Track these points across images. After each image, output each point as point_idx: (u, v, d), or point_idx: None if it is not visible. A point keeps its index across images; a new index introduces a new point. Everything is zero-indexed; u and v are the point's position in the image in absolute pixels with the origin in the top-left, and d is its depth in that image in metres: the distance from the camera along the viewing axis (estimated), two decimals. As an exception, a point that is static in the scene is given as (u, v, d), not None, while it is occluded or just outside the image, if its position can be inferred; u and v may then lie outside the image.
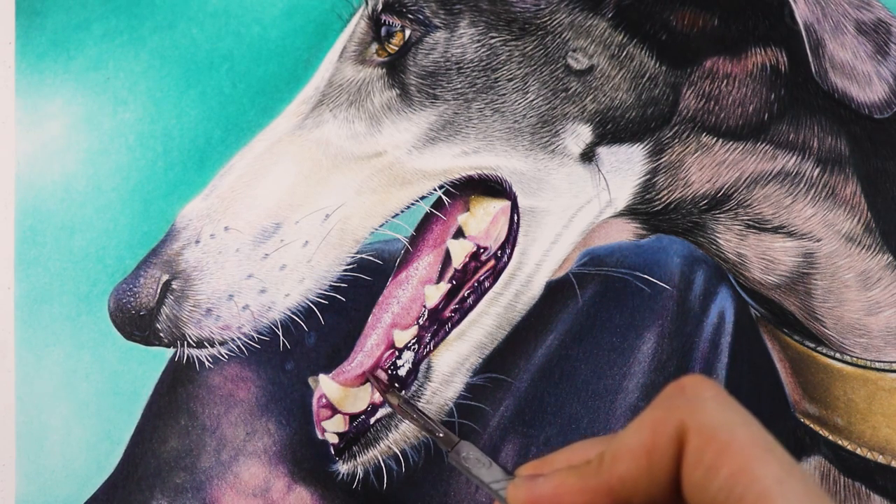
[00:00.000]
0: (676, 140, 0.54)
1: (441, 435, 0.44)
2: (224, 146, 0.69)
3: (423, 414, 0.50)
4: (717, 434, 0.28)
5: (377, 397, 0.57)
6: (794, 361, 0.59)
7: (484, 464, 0.39)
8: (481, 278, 0.57)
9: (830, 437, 0.57)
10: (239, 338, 0.55)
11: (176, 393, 0.66)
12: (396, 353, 0.57)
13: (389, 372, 0.56)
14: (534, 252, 0.56)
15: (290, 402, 0.64)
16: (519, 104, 0.54)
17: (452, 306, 0.57)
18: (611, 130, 0.54)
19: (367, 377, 0.56)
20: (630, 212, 0.57)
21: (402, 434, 0.56)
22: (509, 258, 0.56)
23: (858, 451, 0.56)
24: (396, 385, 0.57)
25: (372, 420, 0.56)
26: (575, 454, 0.33)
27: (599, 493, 0.30)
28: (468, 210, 0.57)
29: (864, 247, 0.55)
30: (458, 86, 0.54)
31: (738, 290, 0.61)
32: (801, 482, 0.27)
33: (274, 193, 0.55)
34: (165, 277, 0.54)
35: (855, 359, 0.55)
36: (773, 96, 0.53)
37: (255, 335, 0.55)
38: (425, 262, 0.58)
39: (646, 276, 0.63)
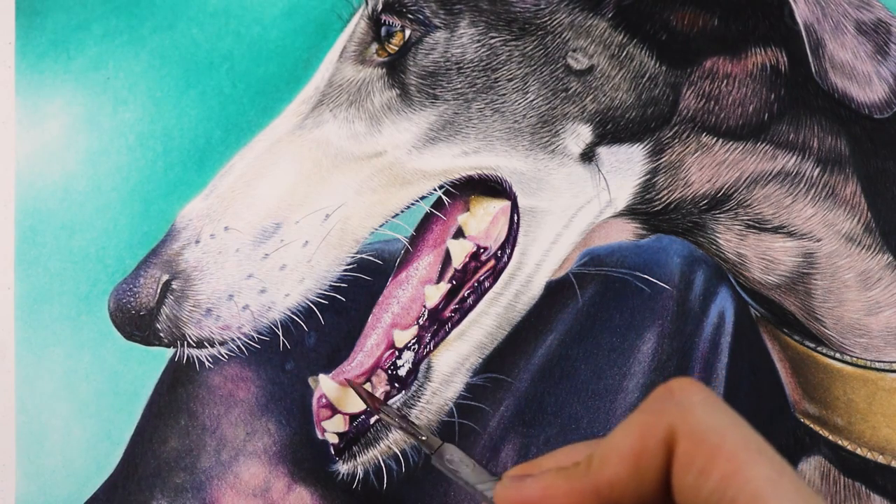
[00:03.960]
0: (676, 140, 0.54)
1: (424, 438, 0.44)
2: (224, 146, 0.69)
3: (406, 418, 0.50)
4: (708, 437, 0.28)
5: (377, 397, 0.57)
6: (794, 361, 0.59)
7: (468, 465, 0.39)
8: (481, 278, 0.57)
9: (830, 437, 0.57)
10: (239, 338, 0.55)
11: (176, 393, 0.66)
12: (396, 353, 0.57)
13: (389, 372, 0.57)
14: (534, 252, 0.56)
15: (290, 402, 0.64)
16: (519, 104, 0.54)
17: (452, 306, 0.57)
18: (611, 130, 0.54)
19: (347, 382, 0.55)
20: (630, 212, 0.57)
21: (403, 434, 0.56)
22: (509, 258, 0.56)
23: (858, 450, 0.56)
24: (396, 385, 0.57)
25: (372, 420, 0.56)
26: (564, 457, 0.33)
27: (587, 495, 0.30)
28: (468, 210, 0.57)
29: (864, 247, 0.55)
30: (458, 86, 0.54)
31: (738, 290, 0.61)
32: (792, 483, 0.28)
33: (274, 193, 0.55)
34: (165, 277, 0.54)
35: (855, 359, 0.55)
36: (773, 96, 0.53)
37: (255, 335, 0.55)
38: (425, 262, 0.58)
39: (646, 276, 0.63)
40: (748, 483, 0.27)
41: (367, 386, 0.57)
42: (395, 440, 0.56)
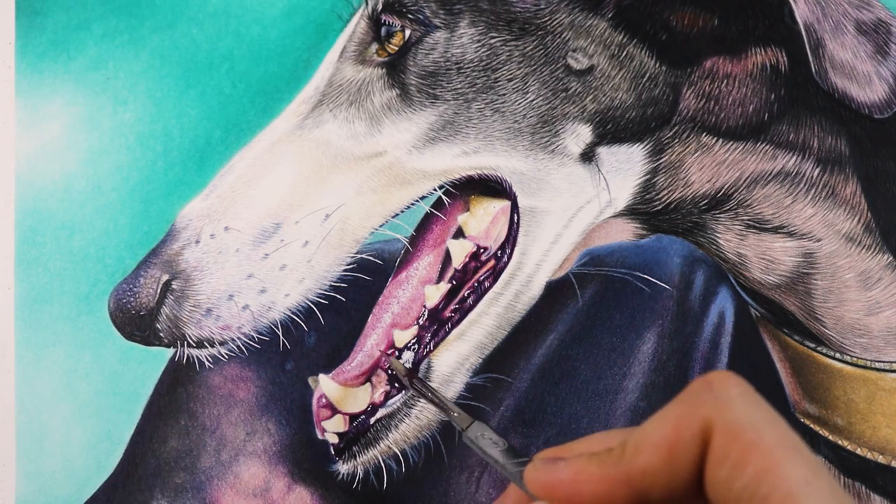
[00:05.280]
0: (676, 140, 0.54)
1: (456, 415, 0.44)
2: (224, 146, 0.69)
3: (438, 393, 0.50)
4: (744, 432, 0.28)
5: (377, 397, 0.57)
6: (794, 361, 0.59)
7: (498, 445, 0.38)
8: (481, 278, 0.56)
9: (830, 437, 0.57)
10: (239, 338, 0.55)
11: (176, 393, 0.66)
12: (396, 353, 0.57)
13: (389, 372, 0.56)
14: (534, 252, 0.56)
15: (290, 402, 0.64)
16: (519, 104, 0.54)
17: (452, 306, 0.57)
18: (611, 130, 0.54)
19: (384, 359, 0.56)
20: (630, 212, 0.57)
21: (402, 434, 0.56)
22: (509, 258, 0.56)
23: (858, 451, 0.56)
24: (396, 385, 0.57)
25: (372, 420, 0.56)
26: (597, 442, 0.33)
27: (618, 482, 0.30)
28: (468, 210, 0.57)
29: (864, 247, 0.55)
30: (458, 86, 0.54)
31: (738, 290, 0.61)
32: (827, 483, 0.27)
33: (274, 193, 0.55)
34: (165, 277, 0.54)
35: (855, 359, 0.55)
36: (773, 96, 0.53)
37: (255, 335, 0.55)
38: (425, 262, 0.58)
39: (646, 276, 0.63)
40: (783, 481, 0.27)
41: (367, 386, 0.57)
42: (395, 440, 0.56)
